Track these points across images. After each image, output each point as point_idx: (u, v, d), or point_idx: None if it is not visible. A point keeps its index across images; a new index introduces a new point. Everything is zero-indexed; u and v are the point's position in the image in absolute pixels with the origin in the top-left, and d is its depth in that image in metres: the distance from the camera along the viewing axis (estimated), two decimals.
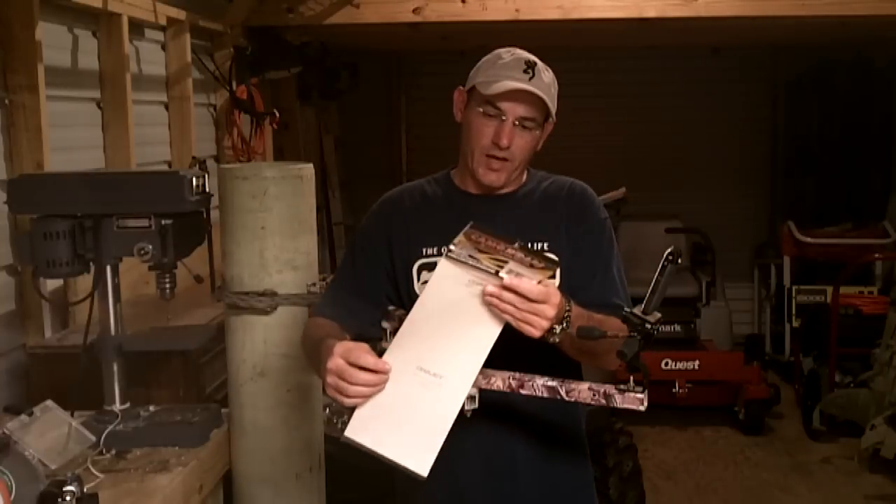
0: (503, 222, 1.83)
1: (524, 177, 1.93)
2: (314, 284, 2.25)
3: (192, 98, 3.85)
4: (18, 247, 2.38)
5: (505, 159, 1.80)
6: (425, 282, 1.80)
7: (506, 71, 1.79)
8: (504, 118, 1.78)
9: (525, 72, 1.78)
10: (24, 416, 1.88)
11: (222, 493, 2.33)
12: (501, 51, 1.83)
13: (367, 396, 1.56)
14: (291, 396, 2.27)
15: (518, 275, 1.52)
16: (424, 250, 1.84)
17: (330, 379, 1.56)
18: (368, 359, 1.55)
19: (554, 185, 1.92)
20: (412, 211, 1.90)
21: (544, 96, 1.77)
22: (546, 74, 1.81)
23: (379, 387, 1.56)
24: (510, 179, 1.85)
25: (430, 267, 1.80)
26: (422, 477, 1.56)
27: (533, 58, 1.82)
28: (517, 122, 1.78)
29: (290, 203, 2.23)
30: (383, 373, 1.56)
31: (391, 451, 1.56)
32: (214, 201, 2.27)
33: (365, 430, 1.56)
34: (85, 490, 1.76)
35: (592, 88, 6.87)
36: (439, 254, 1.81)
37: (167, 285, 2.23)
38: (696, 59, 6.93)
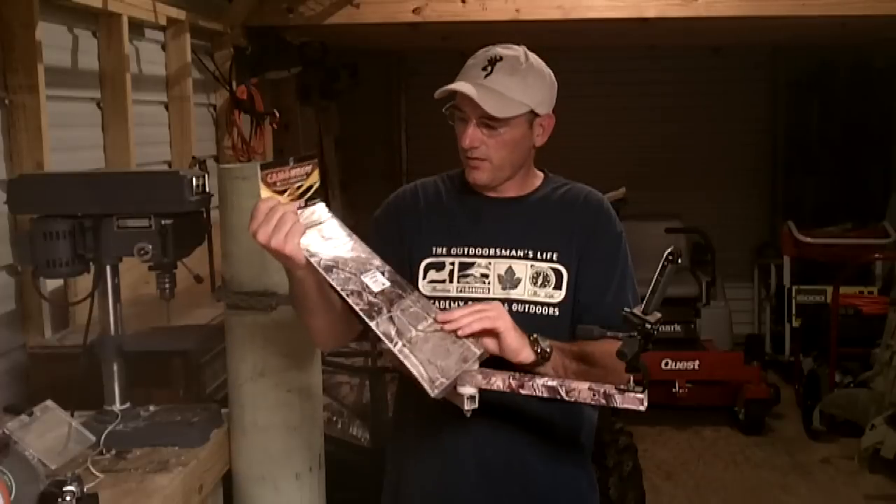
0: (513, 226, 1.84)
1: (538, 181, 1.91)
2: None
3: (192, 98, 3.85)
4: (18, 247, 2.37)
5: (480, 159, 1.78)
6: (432, 280, 1.82)
7: (467, 71, 1.78)
8: (468, 119, 1.76)
9: (484, 69, 1.75)
10: (24, 416, 1.87)
11: (222, 493, 2.33)
12: (483, 49, 1.81)
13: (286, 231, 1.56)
14: (291, 396, 2.26)
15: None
16: (434, 249, 1.84)
17: (262, 235, 1.57)
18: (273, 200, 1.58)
19: (570, 193, 1.88)
20: (426, 208, 1.89)
21: (491, 97, 1.71)
22: (514, 68, 1.75)
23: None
24: (498, 178, 1.82)
25: (437, 266, 1.82)
26: (486, 356, 1.63)
27: (503, 52, 1.77)
28: (479, 123, 1.75)
29: None
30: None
31: (460, 368, 1.60)
32: (214, 201, 2.27)
33: (437, 378, 1.59)
34: (85, 490, 1.76)
35: (592, 88, 6.87)
36: (448, 254, 1.82)
37: (167, 285, 2.22)
38: (696, 59, 6.93)
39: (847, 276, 5.50)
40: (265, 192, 1.61)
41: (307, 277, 1.64)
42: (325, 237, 1.66)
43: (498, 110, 1.72)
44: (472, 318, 1.61)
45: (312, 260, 1.60)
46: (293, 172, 1.62)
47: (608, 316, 1.72)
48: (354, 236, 1.70)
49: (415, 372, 1.57)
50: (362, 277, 1.62)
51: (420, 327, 1.62)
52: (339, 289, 1.60)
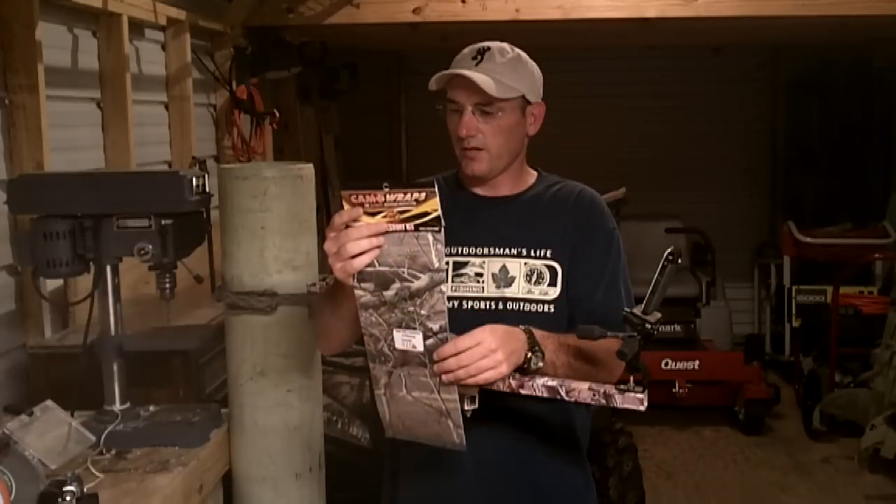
0: (506, 225, 1.84)
1: (532, 179, 1.91)
2: (314, 284, 2.25)
3: (192, 98, 3.85)
4: (18, 247, 2.38)
5: (478, 148, 1.78)
6: None
7: (456, 64, 1.79)
8: (462, 108, 1.77)
9: (473, 58, 1.77)
10: (24, 416, 1.87)
11: (222, 493, 2.33)
12: (469, 46, 1.82)
13: (367, 252, 1.52)
14: (291, 396, 2.27)
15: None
16: None
17: (330, 244, 1.53)
18: (359, 211, 1.52)
19: (563, 191, 1.88)
20: None
21: (486, 78, 1.72)
22: (502, 56, 1.77)
23: (375, 245, 1.52)
24: (496, 168, 1.82)
25: None
26: (464, 449, 1.63)
27: (491, 44, 1.80)
28: (475, 110, 1.76)
29: (290, 203, 2.24)
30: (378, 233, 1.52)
31: (429, 440, 1.66)
32: (214, 201, 2.27)
33: (399, 429, 1.68)
34: (85, 490, 1.76)
35: (592, 88, 6.88)
36: None
37: (167, 285, 2.23)
38: (697, 59, 6.93)
39: (847, 276, 5.50)
40: (349, 210, 1.55)
41: (349, 298, 1.61)
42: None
43: (493, 90, 1.73)
44: (465, 371, 1.53)
45: (356, 292, 1.56)
46: (391, 197, 1.50)
47: (598, 311, 1.73)
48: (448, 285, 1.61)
49: (380, 412, 1.65)
50: (394, 330, 1.56)
51: (415, 394, 1.60)
52: (362, 325, 1.58)
